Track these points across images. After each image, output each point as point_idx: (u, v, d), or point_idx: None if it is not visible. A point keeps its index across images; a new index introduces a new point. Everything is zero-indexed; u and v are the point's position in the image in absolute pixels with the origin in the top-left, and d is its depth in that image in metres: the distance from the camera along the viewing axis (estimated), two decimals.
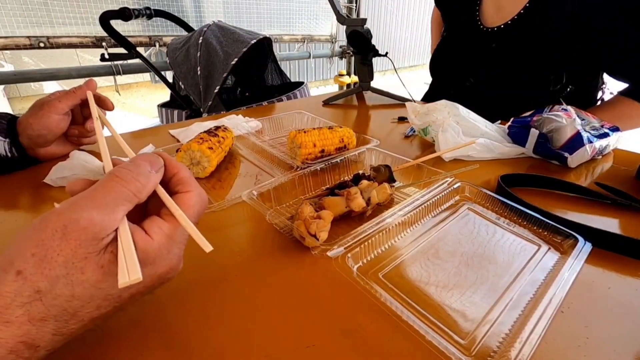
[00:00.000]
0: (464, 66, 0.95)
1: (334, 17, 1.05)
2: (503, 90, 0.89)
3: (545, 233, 0.41)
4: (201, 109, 1.25)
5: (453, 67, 0.99)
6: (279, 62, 1.49)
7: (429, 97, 1.12)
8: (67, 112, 0.55)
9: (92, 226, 0.21)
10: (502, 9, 0.87)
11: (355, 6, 2.89)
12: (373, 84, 1.01)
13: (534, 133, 0.61)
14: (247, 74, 1.44)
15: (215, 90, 1.18)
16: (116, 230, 0.22)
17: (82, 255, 0.21)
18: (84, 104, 0.57)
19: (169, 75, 1.50)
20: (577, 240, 0.38)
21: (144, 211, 0.28)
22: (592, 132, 0.60)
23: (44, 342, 0.21)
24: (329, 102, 0.99)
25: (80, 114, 0.60)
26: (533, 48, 0.82)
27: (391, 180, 0.48)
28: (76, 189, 0.24)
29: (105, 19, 1.26)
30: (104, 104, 0.57)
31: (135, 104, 3.48)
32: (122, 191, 0.23)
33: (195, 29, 1.34)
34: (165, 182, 0.28)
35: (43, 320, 0.20)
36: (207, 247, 0.24)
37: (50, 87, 2.52)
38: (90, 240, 0.21)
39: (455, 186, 0.48)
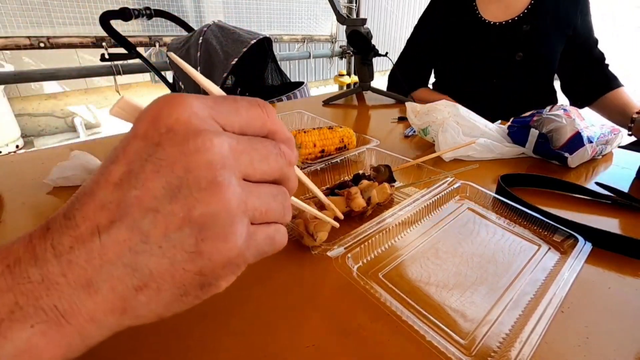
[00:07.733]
0: (489, 61, 0.97)
1: (334, 17, 1.05)
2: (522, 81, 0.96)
3: (545, 233, 0.41)
4: None
5: (474, 67, 0.99)
6: (278, 62, 1.50)
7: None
8: None
9: None
10: (510, 7, 0.93)
11: (355, 6, 2.89)
12: (373, 84, 1.01)
13: (533, 133, 0.61)
14: (247, 74, 1.44)
15: None
16: None
17: None
18: None
19: (169, 75, 1.51)
20: (577, 240, 0.38)
21: None
22: (592, 132, 0.60)
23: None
24: (329, 102, 0.99)
25: None
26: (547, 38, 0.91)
27: (391, 180, 0.48)
28: None
29: (105, 19, 1.26)
30: None
31: None
32: None
33: (195, 29, 1.34)
34: None
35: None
36: None
37: (50, 87, 2.52)
38: None
39: (455, 186, 0.48)
